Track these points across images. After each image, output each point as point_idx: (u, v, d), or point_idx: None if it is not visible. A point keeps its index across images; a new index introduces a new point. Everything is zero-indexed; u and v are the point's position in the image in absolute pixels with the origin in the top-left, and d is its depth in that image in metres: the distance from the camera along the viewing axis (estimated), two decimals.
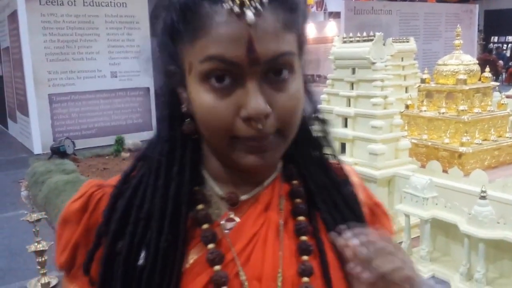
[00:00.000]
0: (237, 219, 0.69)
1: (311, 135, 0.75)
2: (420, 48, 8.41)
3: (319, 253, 0.69)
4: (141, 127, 8.11)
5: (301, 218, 0.70)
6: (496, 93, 4.50)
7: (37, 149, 7.20)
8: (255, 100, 0.60)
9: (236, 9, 0.58)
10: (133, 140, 7.26)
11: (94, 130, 7.68)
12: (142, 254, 0.65)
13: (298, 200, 0.72)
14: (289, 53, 0.62)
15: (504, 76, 14.79)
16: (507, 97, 4.52)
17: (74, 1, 7.29)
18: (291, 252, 0.68)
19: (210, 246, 0.66)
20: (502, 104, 4.09)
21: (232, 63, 0.59)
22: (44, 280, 3.11)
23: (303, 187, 0.73)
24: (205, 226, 0.67)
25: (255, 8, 0.58)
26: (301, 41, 0.66)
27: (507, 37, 17.24)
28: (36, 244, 3.03)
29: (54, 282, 3.34)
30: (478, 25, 13.30)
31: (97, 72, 7.63)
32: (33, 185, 5.46)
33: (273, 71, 0.62)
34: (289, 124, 0.64)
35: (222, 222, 0.69)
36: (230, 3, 0.58)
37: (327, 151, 0.77)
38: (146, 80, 8.10)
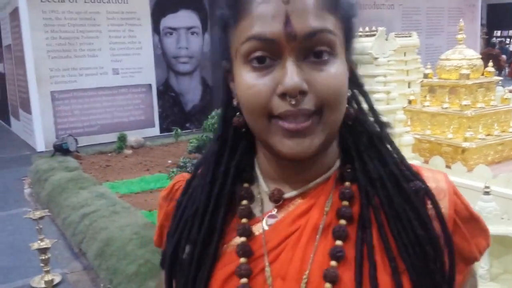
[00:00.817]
0: (279, 217, 0.70)
1: (366, 126, 0.72)
2: (423, 42, 8.38)
3: (355, 261, 0.64)
4: (144, 124, 8.12)
5: (342, 221, 0.67)
6: (499, 88, 4.48)
7: (40, 146, 7.22)
8: (290, 75, 0.61)
9: None
10: (135, 137, 7.27)
11: (96, 127, 7.69)
12: (186, 249, 0.72)
13: (344, 203, 0.68)
14: (327, 31, 0.62)
15: (507, 70, 14.73)
16: (510, 91, 4.49)
17: None
18: (323, 256, 0.66)
19: (242, 239, 0.69)
20: (506, 98, 4.06)
21: (270, 40, 0.61)
22: (48, 277, 3.12)
23: (360, 190, 0.69)
24: (243, 220, 0.71)
25: None
26: (346, 28, 0.67)
27: (510, 31, 17.16)
28: (39, 241, 3.04)
29: (57, 279, 3.35)
30: (481, 19, 13.24)
31: (99, 69, 7.64)
32: (36, 182, 5.48)
33: (314, 53, 0.62)
34: (329, 104, 0.63)
35: (265, 218, 0.71)
36: None
37: (393, 153, 0.73)
38: (148, 76, 8.11)
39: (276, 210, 0.71)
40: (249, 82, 0.63)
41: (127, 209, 4.23)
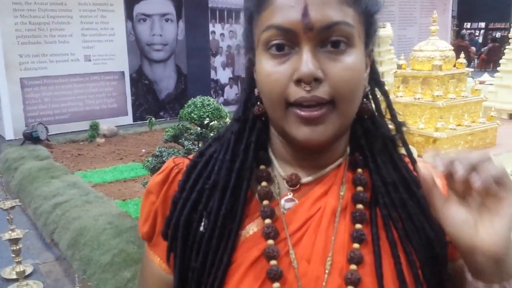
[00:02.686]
0: (296, 201, 0.72)
1: (382, 130, 0.75)
2: (395, 34, 8.47)
3: (373, 243, 0.68)
4: (116, 112, 8.00)
5: (360, 206, 0.70)
6: (469, 79, 4.58)
7: (9, 134, 7.04)
8: (306, 63, 0.63)
9: None
10: (108, 125, 7.16)
11: (67, 115, 7.54)
12: (204, 222, 0.71)
13: (359, 188, 0.72)
14: (345, 23, 0.64)
15: (476, 62, 15.04)
16: (481, 83, 4.61)
17: None
18: (344, 239, 0.68)
19: (267, 221, 0.70)
20: (476, 90, 4.16)
21: (288, 30, 0.64)
22: (19, 268, 3.07)
23: (370, 178, 0.72)
24: (265, 202, 0.72)
25: None
26: (366, 22, 0.68)
27: (479, 23, 17.50)
28: (10, 232, 2.98)
29: (29, 270, 3.29)
30: (452, 11, 13.46)
31: (70, 55, 7.46)
32: (5, 171, 5.35)
33: (331, 42, 0.64)
34: (342, 95, 0.65)
35: (282, 201, 0.72)
36: None
37: (401, 150, 0.76)
38: (121, 64, 7.98)
39: (292, 194, 0.73)
40: (268, 69, 0.66)
41: (100, 199, 4.18)
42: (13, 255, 3.05)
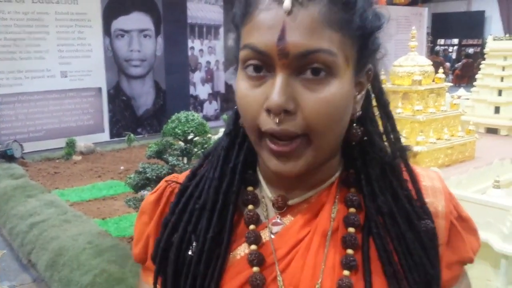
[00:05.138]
0: (284, 223, 0.69)
1: (381, 154, 0.69)
2: None
3: (364, 269, 0.64)
4: (93, 129, 7.88)
5: (351, 229, 0.66)
6: (446, 94, 4.66)
7: None
8: (276, 92, 0.58)
9: None
10: (85, 142, 7.03)
11: (43, 133, 7.39)
12: (193, 244, 0.68)
13: (351, 210, 0.67)
14: (324, 51, 0.58)
15: (450, 77, 15.38)
16: (459, 97, 4.69)
17: None
18: (334, 264, 0.65)
19: (253, 247, 0.67)
20: (455, 104, 4.24)
21: (262, 52, 0.59)
22: None
23: (369, 219, 0.67)
24: (251, 227, 0.69)
25: None
26: (361, 41, 0.62)
27: (453, 39, 17.94)
28: None
29: None
30: (426, 27, 13.78)
31: (46, 71, 7.34)
32: None
33: (311, 69, 0.59)
34: (316, 129, 0.60)
35: (269, 225, 0.69)
36: None
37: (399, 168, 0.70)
38: (98, 80, 7.89)
39: (279, 217, 0.69)
40: (243, 91, 0.62)
41: (79, 218, 4.07)
42: None
